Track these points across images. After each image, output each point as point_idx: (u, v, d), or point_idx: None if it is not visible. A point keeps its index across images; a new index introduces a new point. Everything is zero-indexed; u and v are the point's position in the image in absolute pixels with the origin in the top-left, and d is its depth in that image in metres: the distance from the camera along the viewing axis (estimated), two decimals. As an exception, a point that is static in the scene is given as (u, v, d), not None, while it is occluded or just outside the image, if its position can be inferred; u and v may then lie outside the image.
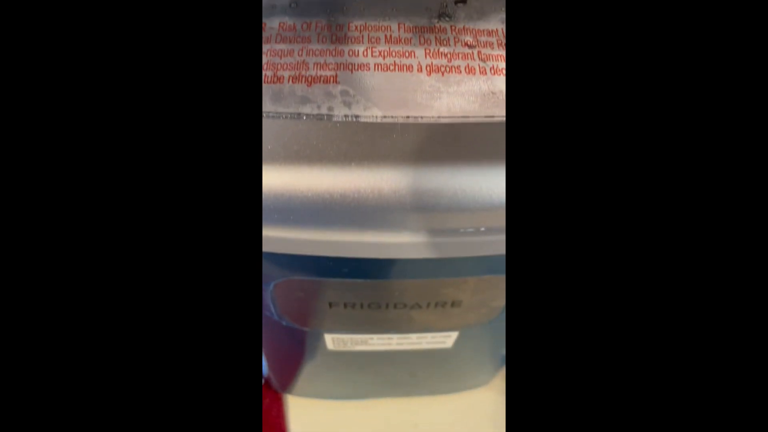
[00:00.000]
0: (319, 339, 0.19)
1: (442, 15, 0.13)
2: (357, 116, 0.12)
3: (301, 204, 0.11)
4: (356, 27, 0.13)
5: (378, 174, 0.11)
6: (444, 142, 0.11)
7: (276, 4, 0.13)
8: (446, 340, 0.19)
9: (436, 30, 0.13)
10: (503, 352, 0.26)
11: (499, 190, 0.11)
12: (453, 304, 0.16)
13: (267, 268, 0.14)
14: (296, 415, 0.28)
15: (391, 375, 0.25)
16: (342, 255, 0.12)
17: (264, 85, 0.12)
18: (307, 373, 0.24)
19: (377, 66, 0.12)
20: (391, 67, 0.12)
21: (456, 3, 0.14)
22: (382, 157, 0.11)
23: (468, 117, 0.12)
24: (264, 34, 0.13)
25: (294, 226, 0.11)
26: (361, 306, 0.16)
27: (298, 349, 0.21)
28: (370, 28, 0.13)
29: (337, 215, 0.11)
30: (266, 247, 0.12)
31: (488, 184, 0.11)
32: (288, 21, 0.13)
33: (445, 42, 0.13)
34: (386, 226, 0.11)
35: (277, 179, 0.11)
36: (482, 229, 0.12)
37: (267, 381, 0.28)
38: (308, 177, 0.11)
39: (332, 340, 0.19)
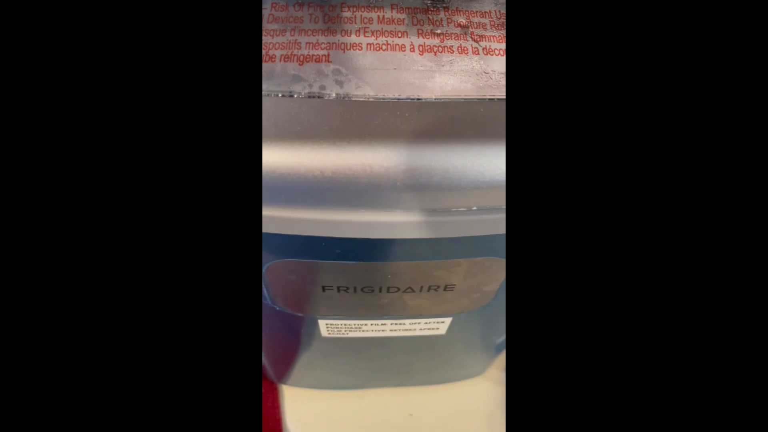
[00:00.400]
0: (314, 326, 0.19)
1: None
2: (348, 95, 0.12)
3: (294, 182, 0.11)
4: (349, 8, 0.13)
5: (370, 152, 0.11)
6: (437, 121, 0.11)
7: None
8: (439, 326, 0.19)
9: (429, 12, 0.13)
10: (498, 341, 0.26)
11: (492, 169, 0.11)
12: (446, 288, 0.16)
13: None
14: (291, 406, 0.28)
15: (385, 364, 0.25)
16: (334, 235, 0.12)
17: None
18: (302, 362, 0.24)
19: (369, 46, 0.12)
20: (384, 47, 0.12)
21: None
22: (374, 136, 0.11)
23: (460, 96, 0.12)
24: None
25: (286, 204, 0.11)
26: (355, 290, 0.16)
27: (293, 338, 0.21)
28: (362, 9, 0.13)
29: (329, 194, 0.11)
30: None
31: (480, 162, 0.11)
32: (280, 2, 0.13)
33: (438, 23, 0.13)
34: (378, 204, 0.11)
35: (269, 157, 0.11)
36: (474, 208, 0.12)
37: (262, 371, 0.28)
38: (300, 155, 0.11)
39: (326, 326, 0.19)
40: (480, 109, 0.12)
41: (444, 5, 0.13)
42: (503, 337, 0.25)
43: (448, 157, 0.11)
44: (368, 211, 0.11)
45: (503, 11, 0.13)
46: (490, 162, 0.11)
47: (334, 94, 0.11)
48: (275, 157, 0.11)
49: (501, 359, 0.31)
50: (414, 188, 0.11)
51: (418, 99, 0.12)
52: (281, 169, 0.11)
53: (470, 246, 0.14)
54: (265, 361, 0.25)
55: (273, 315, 0.18)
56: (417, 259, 0.14)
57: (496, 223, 0.12)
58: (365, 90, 0.12)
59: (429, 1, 0.13)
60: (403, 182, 0.11)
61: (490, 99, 0.12)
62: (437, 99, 0.12)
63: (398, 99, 0.11)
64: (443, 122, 0.11)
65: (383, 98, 0.11)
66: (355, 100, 0.11)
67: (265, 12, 0.13)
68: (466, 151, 0.11)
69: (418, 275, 0.15)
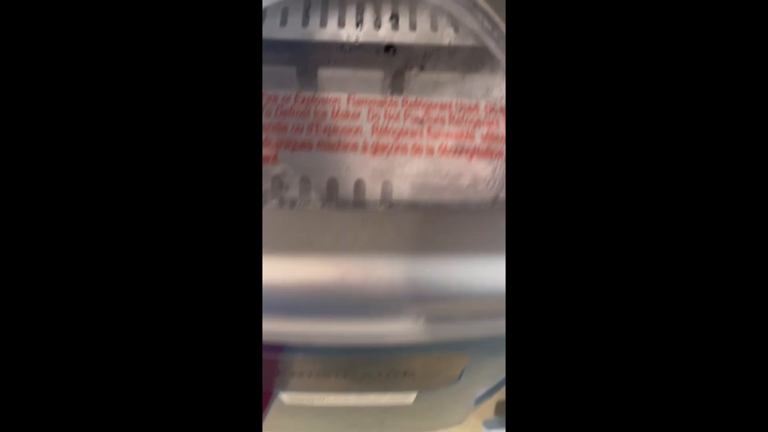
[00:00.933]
0: (276, 397, 0.18)
1: (395, 88, 0.13)
2: (293, 201, 0.11)
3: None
4: (303, 99, 0.12)
5: (310, 261, 0.11)
6: (388, 230, 0.11)
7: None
8: (405, 399, 0.19)
9: (387, 104, 0.13)
10: (479, 393, 0.25)
11: (442, 280, 0.11)
12: (405, 374, 0.15)
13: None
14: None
15: (358, 422, 0.24)
16: (295, 342, 0.11)
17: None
18: (267, 424, 0.23)
19: (320, 144, 0.12)
20: (336, 146, 0.12)
21: (386, 50, 0.13)
22: (318, 246, 0.11)
23: (414, 202, 0.11)
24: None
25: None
26: (309, 375, 0.15)
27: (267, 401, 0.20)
28: (317, 101, 0.13)
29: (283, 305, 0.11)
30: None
31: (428, 273, 0.11)
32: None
33: (394, 117, 0.12)
34: (324, 312, 0.11)
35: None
36: (421, 317, 0.11)
37: None
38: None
39: (288, 397, 0.18)
40: (432, 215, 0.11)
41: (402, 96, 0.13)
42: (485, 389, 0.25)
43: (400, 267, 0.11)
44: (311, 318, 0.11)
45: (466, 102, 0.13)
46: (438, 270, 0.11)
47: (276, 201, 0.11)
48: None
49: (482, 408, 0.30)
50: (361, 296, 0.11)
51: (367, 207, 0.11)
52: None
53: (426, 347, 0.13)
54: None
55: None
56: (372, 354, 0.14)
57: (448, 331, 0.12)
58: (311, 195, 0.11)
59: (388, 90, 0.13)
60: (347, 290, 0.11)
61: (447, 203, 0.11)
62: (384, 208, 0.11)
63: (345, 207, 0.11)
64: (392, 232, 0.11)
65: (330, 205, 0.11)
66: (303, 210, 0.11)
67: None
68: (419, 261, 0.11)
69: (375, 365, 0.14)
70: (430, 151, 0.12)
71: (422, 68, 0.13)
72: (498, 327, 0.12)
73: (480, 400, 0.26)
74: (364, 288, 0.11)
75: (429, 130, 0.12)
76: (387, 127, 0.12)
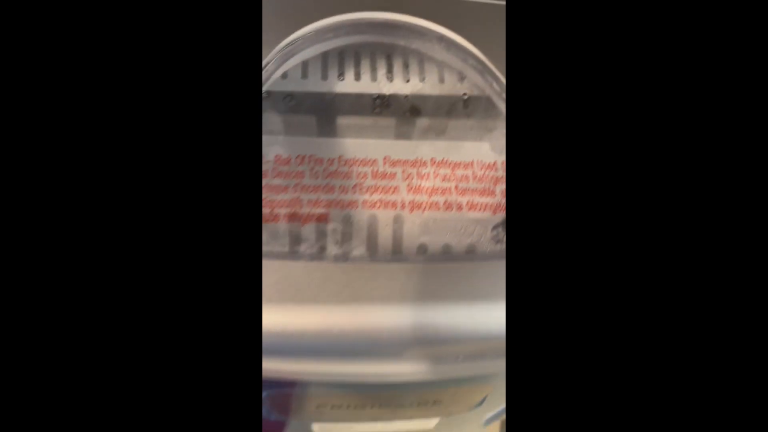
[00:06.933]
0: (306, 427, 0.19)
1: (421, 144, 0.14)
2: (347, 255, 0.13)
3: (295, 341, 0.12)
4: (345, 162, 0.14)
5: (361, 311, 0.12)
6: (427, 280, 0.13)
7: (273, 131, 0.15)
8: (428, 424, 0.20)
9: (418, 164, 0.14)
10: (489, 415, 0.26)
11: (475, 324, 0.13)
12: (434, 403, 0.17)
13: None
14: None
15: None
16: (330, 381, 0.13)
17: (264, 224, 0.13)
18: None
19: (365, 203, 0.14)
20: (378, 205, 0.14)
21: (410, 113, 0.15)
22: (366, 297, 0.12)
23: (449, 254, 0.13)
24: (263, 168, 0.14)
25: (288, 359, 0.12)
26: (347, 407, 0.16)
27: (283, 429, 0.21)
28: (357, 163, 0.14)
29: (315, 348, 0.12)
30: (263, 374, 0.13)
31: (463, 318, 0.12)
32: (283, 154, 0.14)
33: (425, 176, 0.14)
34: (369, 356, 0.12)
35: (270, 319, 0.12)
36: (459, 358, 0.13)
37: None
38: (301, 315, 0.12)
39: (318, 427, 0.20)
40: (467, 267, 0.13)
41: (431, 156, 0.15)
42: (494, 411, 0.26)
43: (442, 315, 0.12)
44: (363, 362, 0.12)
45: (485, 161, 0.15)
46: (476, 317, 0.12)
47: (332, 255, 0.13)
48: (278, 318, 0.12)
49: (490, 428, 0.31)
50: (410, 344, 0.12)
51: (410, 259, 0.13)
52: (285, 330, 0.12)
53: (454, 381, 0.15)
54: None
55: (266, 423, 0.19)
56: (407, 390, 0.15)
57: (480, 367, 0.13)
58: (361, 250, 0.13)
59: (417, 150, 0.15)
60: (400, 338, 0.12)
61: (476, 256, 0.13)
62: (425, 260, 0.13)
63: (391, 260, 0.13)
64: (434, 283, 0.12)
65: (380, 260, 0.13)
66: (353, 263, 0.12)
67: (269, 165, 0.14)
68: (458, 308, 0.12)
69: (408, 398, 0.16)
70: (459, 207, 0.14)
71: (446, 124, 0.15)
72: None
73: (489, 422, 0.28)
74: (403, 332, 0.12)
75: (456, 187, 0.14)
76: (420, 186, 0.14)
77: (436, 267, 0.13)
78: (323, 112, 0.15)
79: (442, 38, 0.16)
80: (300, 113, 0.15)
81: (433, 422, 0.20)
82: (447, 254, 0.13)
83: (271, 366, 0.12)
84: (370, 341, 0.12)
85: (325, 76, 0.15)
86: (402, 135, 0.15)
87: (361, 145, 0.14)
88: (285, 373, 0.12)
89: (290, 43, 0.16)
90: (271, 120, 0.15)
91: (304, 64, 0.15)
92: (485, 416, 0.26)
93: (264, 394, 0.16)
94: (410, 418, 0.19)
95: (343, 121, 0.15)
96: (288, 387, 0.14)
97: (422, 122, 0.15)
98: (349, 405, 0.16)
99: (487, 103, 0.16)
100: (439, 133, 0.15)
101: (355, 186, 0.14)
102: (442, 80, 0.16)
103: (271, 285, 0.12)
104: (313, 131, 0.14)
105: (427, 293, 0.12)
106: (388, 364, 0.13)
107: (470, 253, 0.13)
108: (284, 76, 0.15)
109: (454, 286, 0.12)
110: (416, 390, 0.15)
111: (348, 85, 0.15)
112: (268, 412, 0.17)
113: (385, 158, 0.14)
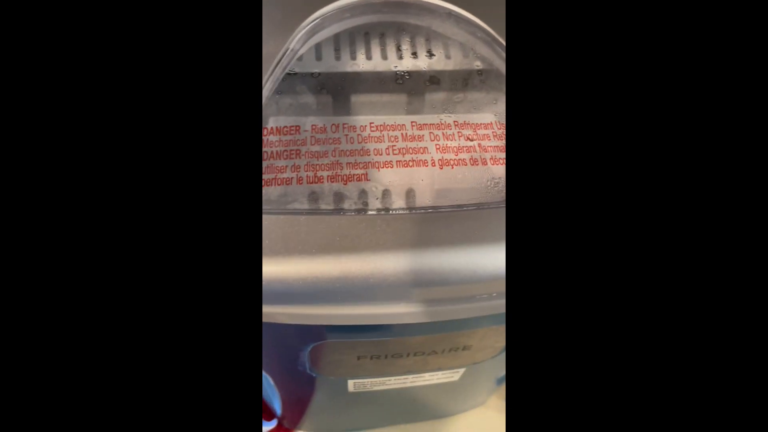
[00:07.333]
0: (343, 384, 0.21)
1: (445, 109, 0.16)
2: (388, 209, 0.14)
3: (332, 286, 0.13)
4: (377, 128, 0.15)
5: (401, 257, 0.13)
6: (458, 227, 0.14)
7: (305, 101, 0.16)
8: (455, 375, 0.22)
9: (443, 126, 0.16)
10: (500, 375, 0.28)
11: (499, 265, 0.14)
12: (464, 348, 0.18)
13: (304, 334, 0.16)
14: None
15: (400, 406, 0.27)
16: (368, 323, 0.14)
17: (301, 186, 0.14)
18: (322, 410, 0.26)
19: (399, 163, 0.15)
20: (411, 164, 0.15)
21: (429, 83, 0.16)
22: (407, 244, 0.13)
23: (476, 204, 0.14)
24: (300, 137, 0.15)
25: (326, 304, 0.13)
26: (386, 356, 0.18)
27: (321, 395, 0.23)
28: (388, 128, 0.15)
29: (361, 293, 0.13)
30: (302, 320, 0.14)
31: (486, 261, 0.14)
32: (318, 123, 0.15)
33: (450, 137, 0.16)
34: (404, 299, 0.14)
35: (305, 268, 0.13)
36: (485, 295, 0.14)
37: (279, 421, 0.29)
38: (338, 264, 0.13)
39: (354, 384, 0.21)
40: (491, 214, 0.14)
41: (453, 118, 0.16)
42: (504, 372, 0.28)
43: (465, 258, 0.14)
44: (394, 304, 0.14)
45: (502, 122, 0.16)
46: (495, 259, 0.14)
47: (375, 209, 0.14)
48: (315, 267, 0.13)
49: (501, 388, 0.33)
50: (433, 285, 0.14)
51: (444, 209, 0.14)
52: (321, 277, 0.13)
53: (484, 320, 0.16)
54: (282, 412, 0.27)
55: (307, 378, 0.20)
56: (441, 332, 0.16)
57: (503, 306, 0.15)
58: (400, 203, 0.14)
59: (441, 115, 0.16)
60: (418, 281, 0.14)
61: (497, 205, 0.14)
62: (455, 209, 0.14)
63: (426, 211, 0.14)
64: (459, 229, 0.14)
65: (417, 211, 0.14)
66: (393, 215, 0.14)
67: (307, 134, 0.15)
68: (476, 252, 0.14)
69: (441, 342, 0.17)
70: (484, 162, 0.15)
71: (463, 92, 0.16)
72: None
73: (500, 381, 0.29)
74: (427, 274, 0.14)
75: (480, 145, 0.15)
76: (447, 146, 0.15)
77: (464, 215, 0.14)
78: (343, 92, 0.16)
79: (450, 14, 0.17)
80: (323, 93, 0.16)
81: (458, 374, 0.22)
82: (475, 204, 0.14)
83: (305, 311, 0.14)
84: (404, 284, 0.13)
85: (338, 57, 0.16)
86: (425, 110, 0.16)
87: (390, 116, 0.16)
88: (329, 317, 0.14)
89: (310, 22, 0.17)
90: (298, 98, 0.16)
91: (318, 46, 0.16)
92: (498, 374, 0.27)
93: (306, 348, 0.17)
94: (440, 368, 0.20)
95: (364, 98, 0.16)
96: (329, 337, 0.16)
97: (440, 95, 0.16)
98: (388, 354, 0.17)
99: (498, 73, 0.17)
100: (458, 104, 0.16)
101: (388, 148, 0.15)
102: (451, 56, 0.17)
103: (318, 234, 0.13)
104: (336, 110, 0.15)
105: (456, 237, 0.14)
106: (423, 306, 0.14)
107: (495, 202, 0.14)
108: (300, 58, 0.16)
109: (479, 230, 0.14)
110: (450, 331, 0.16)
111: (364, 63, 0.16)
112: (308, 367, 0.18)
113: (412, 123, 0.16)
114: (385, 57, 0.16)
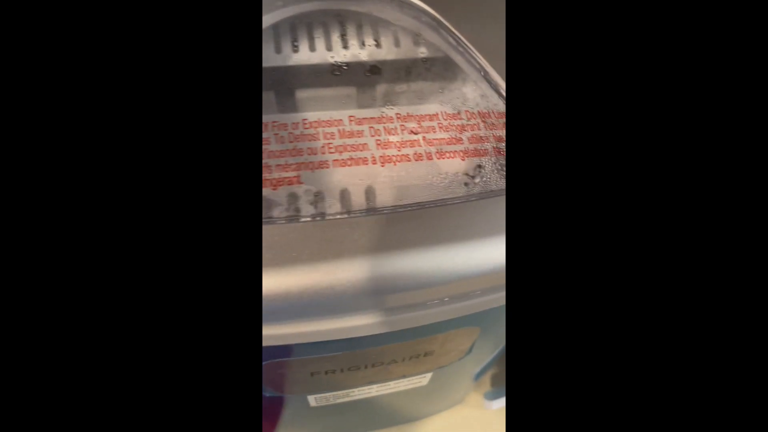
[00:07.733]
0: (302, 400, 0.20)
1: (386, 102, 0.14)
2: (323, 214, 0.13)
3: (279, 304, 0.12)
4: (310, 125, 0.14)
5: (343, 266, 0.12)
6: (404, 229, 0.13)
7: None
8: (422, 380, 0.21)
9: (384, 120, 0.14)
10: (477, 370, 0.27)
11: (456, 265, 0.13)
12: (426, 354, 0.17)
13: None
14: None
15: (372, 413, 0.26)
16: (318, 340, 0.13)
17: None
18: (292, 425, 0.24)
19: (336, 162, 0.13)
20: (348, 162, 0.13)
21: (371, 71, 0.15)
22: (348, 251, 0.12)
23: (421, 203, 0.13)
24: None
25: (275, 323, 0.12)
26: (342, 370, 0.16)
27: (286, 408, 0.21)
28: (323, 124, 0.14)
29: (302, 310, 0.12)
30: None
31: (445, 261, 0.13)
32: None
33: (393, 131, 0.14)
34: (356, 310, 0.13)
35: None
36: (445, 299, 0.13)
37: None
38: (284, 278, 0.12)
39: (314, 399, 0.20)
40: (442, 211, 0.13)
41: (395, 111, 0.15)
42: (482, 366, 0.27)
43: (417, 260, 0.13)
44: (347, 317, 0.13)
45: (449, 111, 0.15)
46: (454, 259, 0.13)
47: (309, 215, 0.12)
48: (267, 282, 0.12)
49: (480, 383, 0.33)
50: (387, 292, 0.13)
51: (386, 210, 0.13)
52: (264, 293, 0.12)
53: (445, 325, 0.15)
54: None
55: (264, 401, 0.19)
56: (399, 341, 0.15)
57: (465, 308, 0.14)
58: (337, 207, 0.13)
59: (382, 108, 0.15)
60: (375, 288, 0.12)
61: (449, 201, 0.13)
62: (402, 209, 0.13)
63: (368, 213, 0.13)
64: (410, 229, 0.13)
65: (355, 214, 0.13)
66: (330, 220, 0.12)
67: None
68: (433, 252, 0.13)
69: (401, 351, 0.16)
70: (429, 157, 0.14)
71: (407, 82, 0.15)
72: (499, 299, 0.14)
73: (478, 377, 0.29)
74: (386, 282, 0.12)
75: (424, 138, 0.14)
76: (389, 141, 0.14)
77: (410, 215, 0.13)
78: (282, 87, 0.14)
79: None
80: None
81: (426, 378, 0.21)
82: (420, 203, 0.13)
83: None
84: (353, 295, 0.12)
85: (279, 49, 0.15)
86: (365, 103, 0.15)
87: (326, 111, 0.14)
88: (273, 338, 0.12)
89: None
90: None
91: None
92: (474, 371, 0.27)
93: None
94: (404, 375, 0.19)
95: (303, 94, 0.14)
96: (279, 356, 0.14)
97: (382, 87, 0.15)
98: (343, 368, 0.16)
99: (445, 60, 0.16)
100: (401, 95, 0.15)
101: (323, 146, 0.14)
102: (398, 44, 0.16)
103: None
104: (274, 108, 0.14)
105: (403, 240, 0.12)
106: (375, 316, 0.13)
107: (443, 199, 0.13)
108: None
109: (429, 231, 0.13)
110: (408, 340, 0.15)
111: (304, 56, 0.15)
112: (263, 389, 0.17)
113: (350, 118, 0.14)
114: (313, 49, 0.15)
